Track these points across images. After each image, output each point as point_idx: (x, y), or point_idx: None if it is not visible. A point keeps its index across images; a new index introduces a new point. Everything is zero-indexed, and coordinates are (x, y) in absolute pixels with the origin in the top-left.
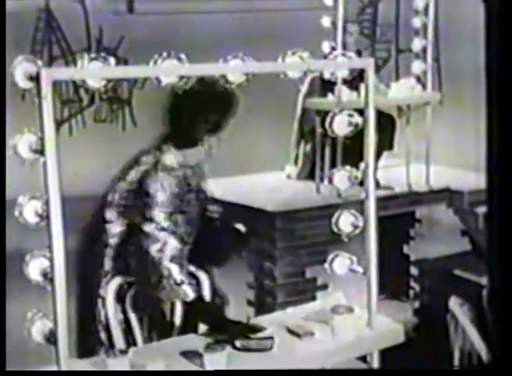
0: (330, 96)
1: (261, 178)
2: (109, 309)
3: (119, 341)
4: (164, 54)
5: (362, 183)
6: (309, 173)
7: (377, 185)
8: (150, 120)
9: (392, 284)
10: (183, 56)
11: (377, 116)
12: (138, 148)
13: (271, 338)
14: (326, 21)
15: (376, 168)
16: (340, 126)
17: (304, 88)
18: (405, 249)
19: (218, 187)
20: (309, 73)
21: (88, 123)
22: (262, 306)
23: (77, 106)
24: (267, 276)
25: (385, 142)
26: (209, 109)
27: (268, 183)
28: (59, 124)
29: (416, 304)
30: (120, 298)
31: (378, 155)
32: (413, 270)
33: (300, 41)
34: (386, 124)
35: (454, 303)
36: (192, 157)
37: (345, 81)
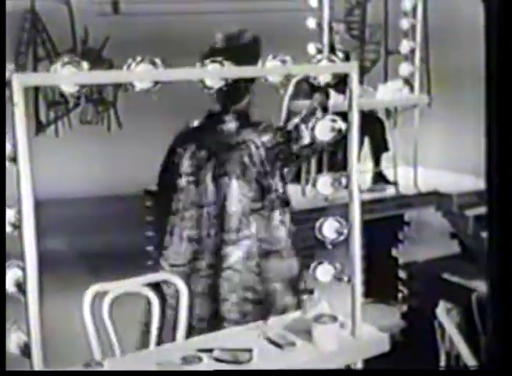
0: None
1: None
2: (86, 318)
3: (96, 351)
4: (138, 58)
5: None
6: (295, 176)
7: (387, 181)
8: (135, 121)
9: (380, 288)
10: (158, 60)
11: (365, 119)
12: (124, 149)
13: (249, 349)
14: (311, 22)
15: (379, 167)
16: (323, 132)
17: (289, 91)
18: (394, 252)
19: None
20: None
21: (73, 124)
22: None
23: (63, 108)
24: None
25: (380, 145)
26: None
27: None
28: (45, 125)
29: (404, 307)
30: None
31: (377, 158)
32: (402, 273)
33: (285, 42)
34: (375, 126)
35: (441, 311)
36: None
37: (331, 84)
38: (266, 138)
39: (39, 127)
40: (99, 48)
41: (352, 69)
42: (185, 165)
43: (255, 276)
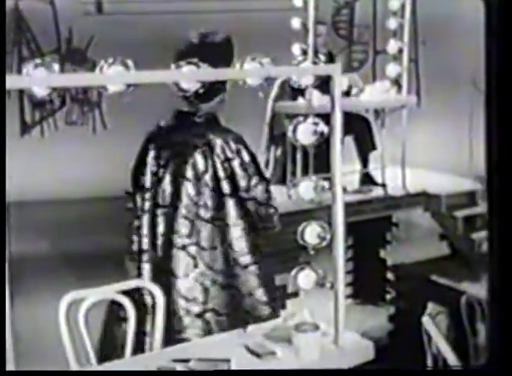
0: (301, 100)
1: None
2: (61, 326)
3: (71, 359)
4: (110, 60)
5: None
6: (280, 178)
7: (374, 183)
8: (120, 122)
9: (368, 289)
10: (130, 62)
11: (350, 119)
12: (108, 150)
13: (227, 360)
14: (295, 22)
15: (366, 168)
16: (305, 135)
17: (273, 92)
18: (382, 253)
19: None
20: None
21: (59, 125)
22: None
23: (49, 108)
24: None
25: (366, 144)
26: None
27: None
28: (30, 126)
29: (392, 310)
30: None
31: (365, 156)
32: (389, 275)
33: (269, 43)
34: (361, 125)
35: (427, 320)
36: None
37: (317, 84)
38: (232, 146)
39: (24, 128)
40: (83, 49)
41: (335, 71)
42: (150, 164)
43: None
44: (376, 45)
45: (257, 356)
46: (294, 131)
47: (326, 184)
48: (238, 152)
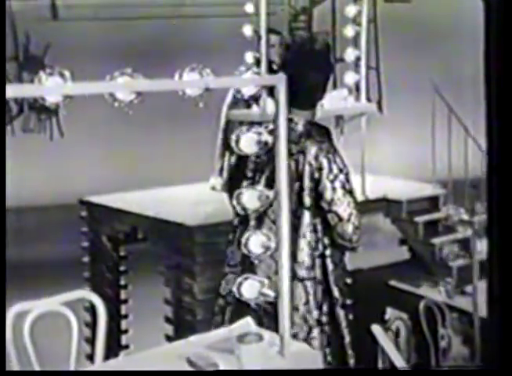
0: (255, 108)
1: (185, 190)
2: (8, 336)
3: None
4: (48, 70)
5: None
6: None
7: None
8: (77, 130)
9: None
10: (67, 73)
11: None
12: (65, 158)
13: None
14: (247, 30)
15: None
16: (248, 145)
17: (227, 100)
18: None
19: (135, 200)
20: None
21: (16, 133)
22: (181, 323)
23: (7, 116)
24: (186, 291)
25: None
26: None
27: (191, 196)
28: None
29: (350, 315)
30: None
31: None
32: (348, 280)
33: (222, 50)
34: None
35: (378, 331)
36: None
37: (271, 93)
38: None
39: None
40: (41, 55)
41: (279, 81)
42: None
43: None
44: (335, 53)
45: (198, 368)
46: (237, 141)
47: (270, 193)
48: (329, 162)
